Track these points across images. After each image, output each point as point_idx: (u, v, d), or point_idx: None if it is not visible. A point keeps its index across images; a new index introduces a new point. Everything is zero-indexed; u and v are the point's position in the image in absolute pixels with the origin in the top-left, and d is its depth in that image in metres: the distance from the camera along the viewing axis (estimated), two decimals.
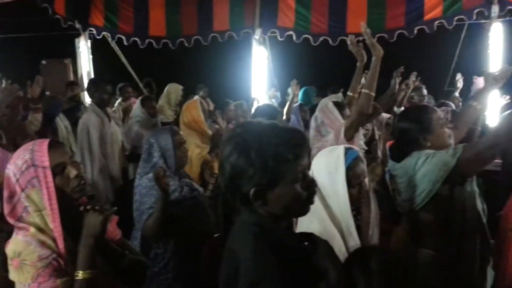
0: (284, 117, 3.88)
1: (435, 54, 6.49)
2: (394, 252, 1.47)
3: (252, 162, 1.01)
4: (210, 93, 5.57)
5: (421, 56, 6.69)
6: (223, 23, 5.13)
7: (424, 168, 1.83)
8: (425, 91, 4.51)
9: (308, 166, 1.11)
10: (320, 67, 6.12)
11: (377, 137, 3.33)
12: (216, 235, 2.10)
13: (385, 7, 4.74)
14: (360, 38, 2.41)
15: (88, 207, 1.39)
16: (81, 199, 1.52)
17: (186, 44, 5.31)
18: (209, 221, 2.28)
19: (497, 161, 3.30)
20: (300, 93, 4.63)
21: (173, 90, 4.57)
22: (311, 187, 1.08)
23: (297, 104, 4.19)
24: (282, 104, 4.65)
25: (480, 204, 1.92)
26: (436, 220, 1.85)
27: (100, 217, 1.37)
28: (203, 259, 2.01)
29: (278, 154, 1.02)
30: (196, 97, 3.70)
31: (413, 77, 3.98)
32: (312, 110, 3.22)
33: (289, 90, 4.53)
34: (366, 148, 2.89)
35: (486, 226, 1.92)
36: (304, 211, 1.11)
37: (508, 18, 4.48)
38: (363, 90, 2.34)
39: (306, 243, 1.14)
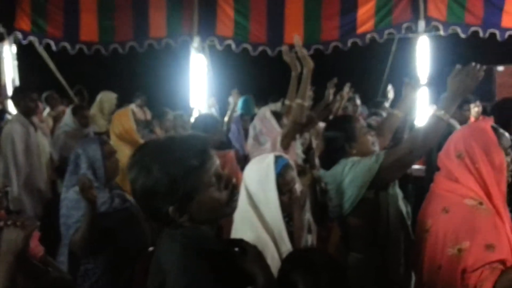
0: (225, 127, 3.89)
1: (369, 66, 6.86)
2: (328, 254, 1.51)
3: (160, 181, 1.00)
4: (147, 102, 5.44)
5: (356, 68, 7.03)
6: (160, 30, 5.05)
7: (351, 175, 1.90)
8: (358, 101, 4.73)
9: (220, 166, 1.11)
10: (260, 77, 6.21)
11: (314, 146, 3.43)
12: (151, 249, 2.06)
13: (320, 20, 4.92)
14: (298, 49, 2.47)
15: (8, 222, 1.31)
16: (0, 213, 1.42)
17: (120, 51, 5.14)
18: (143, 234, 2.21)
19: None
20: (240, 103, 4.65)
21: (106, 98, 4.41)
22: (229, 184, 1.08)
23: (238, 113, 4.21)
24: (222, 114, 4.65)
25: (403, 207, 2.03)
26: (363, 224, 1.93)
27: (21, 233, 1.30)
28: (137, 274, 1.94)
29: (183, 165, 1.01)
30: (130, 106, 3.59)
31: (346, 88, 4.15)
32: (253, 119, 3.25)
33: (230, 99, 4.54)
34: (304, 156, 2.96)
35: (410, 228, 2.02)
36: (230, 210, 1.11)
37: (433, 33, 4.82)
38: (296, 100, 2.41)
39: (235, 249, 1.14)
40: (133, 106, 4.52)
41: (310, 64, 2.34)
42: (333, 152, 2.05)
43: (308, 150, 3.18)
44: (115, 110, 4.10)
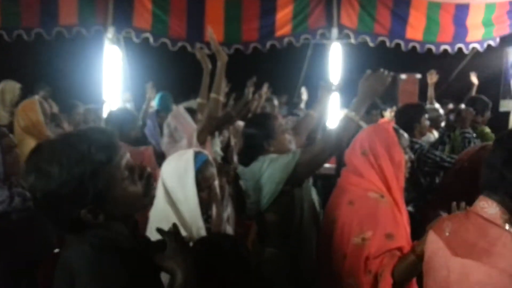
0: (140, 122, 3.74)
1: (287, 68, 7.08)
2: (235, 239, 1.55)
3: (64, 184, 0.91)
4: (54, 94, 5.02)
5: (275, 69, 7.21)
6: (71, 17, 4.69)
7: (269, 171, 1.94)
8: (276, 102, 4.86)
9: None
10: (180, 73, 6.08)
11: (233, 143, 3.45)
12: (56, 251, 1.91)
13: (240, 20, 4.96)
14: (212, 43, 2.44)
15: None
16: None
17: (25, 37, 4.70)
18: (47, 237, 2.04)
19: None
20: (157, 99, 4.51)
21: (8, 88, 3.99)
22: (143, 174, 1.03)
23: (154, 109, 4.07)
24: (138, 109, 4.47)
25: (316, 202, 2.13)
26: (279, 220, 1.98)
27: None
28: (40, 279, 1.80)
29: (89, 163, 0.93)
30: (35, 97, 3.29)
31: (265, 88, 4.24)
32: None
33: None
34: (222, 154, 2.96)
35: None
36: (148, 200, 1.07)
37: (345, 40, 5.12)
38: (211, 94, 2.40)
39: (153, 245, 1.10)
40: (37, 98, 4.14)
41: (223, 57, 2.36)
42: (251, 149, 2.08)
43: (227, 147, 3.19)
44: (19, 101, 3.72)
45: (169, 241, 1.06)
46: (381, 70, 1.93)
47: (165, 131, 2.56)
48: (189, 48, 4.90)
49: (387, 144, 1.79)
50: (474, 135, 3.16)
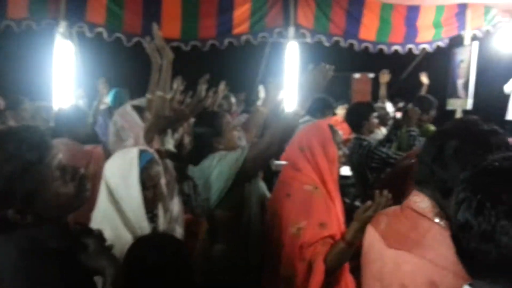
0: (91, 119, 3.63)
1: (246, 66, 7.11)
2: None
3: None
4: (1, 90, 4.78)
5: (235, 67, 7.22)
6: (21, 10, 4.45)
7: (218, 168, 1.95)
8: (233, 99, 4.86)
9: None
10: (135, 69, 5.94)
11: (186, 141, 3.41)
12: None
13: (197, 17, 4.91)
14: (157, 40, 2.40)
15: None
16: None
17: None
18: None
19: None
20: (111, 95, 4.40)
21: None
22: (76, 176, 1.01)
23: (106, 106, 3.97)
24: (91, 106, 4.34)
25: (266, 195, 2.17)
26: (228, 216, 2.00)
27: None
28: None
29: (19, 162, 0.91)
30: None
31: (222, 85, 4.23)
32: None
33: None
34: (176, 152, 2.92)
35: None
36: (79, 202, 1.05)
37: (301, 40, 5.19)
38: (157, 92, 2.37)
39: (78, 244, 1.06)
40: None
41: (169, 55, 2.34)
42: (201, 147, 2.08)
43: (180, 146, 3.15)
44: None
45: (93, 242, 1.04)
46: (323, 64, 1.99)
47: (111, 129, 2.49)
48: (144, 44, 4.78)
49: (323, 140, 1.93)
50: (419, 133, 3.30)
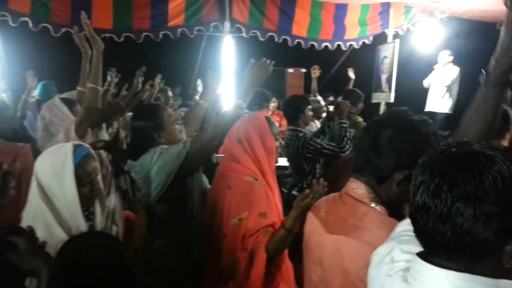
0: (18, 113, 3.39)
1: (183, 59, 7.00)
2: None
3: None
4: None
5: (170, 60, 7.07)
6: None
7: (159, 162, 1.93)
8: (170, 93, 4.79)
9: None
10: (64, 61, 5.60)
11: (122, 135, 3.31)
12: None
13: (131, 7, 4.75)
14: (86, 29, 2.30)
15: None
16: None
17: None
18: None
19: None
20: (38, 88, 4.12)
21: None
22: None
23: (35, 99, 3.72)
24: (16, 99, 4.04)
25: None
26: (170, 210, 1.98)
27: None
28: None
29: None
30: None
31: (158, 78, 4.15)
32: None
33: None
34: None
35: None
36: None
37: (237, 34, 5.22)
38: (88, 84, 2.29)
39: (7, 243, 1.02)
40: None
41: (99, 45, 2.27)
42: (141, 142, 2.03)
43: (115, 140, 3.06)
44: None
45: (23, 241, 0.99)
46: (264, 59, 2.04)
47: (40, 123, 2.34)
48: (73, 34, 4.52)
49: (261, 132, 1.98)
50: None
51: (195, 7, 4.91)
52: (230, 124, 1.97)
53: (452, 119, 5.40)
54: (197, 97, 5.18)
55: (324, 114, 4.20)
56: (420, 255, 0.77)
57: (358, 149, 1.31)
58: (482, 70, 1.04)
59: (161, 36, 4.92)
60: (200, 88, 5.31)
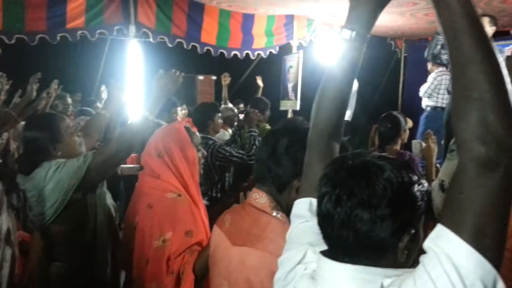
0: None
1: (84, 64, 6.59)
2: None
3: None
4: None
5: (72, 64, 6.63)
6: None
7: (56, 178, 1.78)
8: (69, 100, 4.47)
9: None
10: None
11: (13, 147, 3.02)
12: None
13: (23, 7, 4.35)
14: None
15: None
16: None
17: None
18: None
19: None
20: None
21: None
22: None
23: None
24: None
25: (112, 207, 2.06)
26: (69, 230, 1.84)
27: None
28: None
29: None
30: None
31: (54, 84, 3.85)
32: None
33: None
34: (1, 160, 2.57)
35: (117, 227, 2.07)
36: None
37: (143, 39, 5.06)
38: None
39: None
40: None
41: None
42: (34, 155, 1.86)
43: (5, 152, 2.78)
44: None
45: None
46: (173, 70, 2.01)
47: None
48: None
49: (181, 144, 1.85)
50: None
51: (97, 9, 4.65)
52: (137, 137, 1.90)
53: (351, 126, 5.85)
54: (99, 104, 4.94)
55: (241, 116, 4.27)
56: (324, 253, 0.84)
57: (258, 158, 1.35)
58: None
59: (58, 38, 4.58)
60: (104, 95, 5.05)
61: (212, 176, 3.16)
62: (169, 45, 5.13)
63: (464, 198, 0.68)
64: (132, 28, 4.81)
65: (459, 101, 0.71)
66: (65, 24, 4.58)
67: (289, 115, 6.03)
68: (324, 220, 0.82)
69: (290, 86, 5.99)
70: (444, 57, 4.66)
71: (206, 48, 5.38)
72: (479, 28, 0.72)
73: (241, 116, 4.09)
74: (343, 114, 1.03)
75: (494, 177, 0.67)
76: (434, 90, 5.16)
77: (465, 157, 0.69)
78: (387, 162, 0.80)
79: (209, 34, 5.33)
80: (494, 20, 4.10)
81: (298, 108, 5.88)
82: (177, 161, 1.82)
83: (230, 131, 4.43)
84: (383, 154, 0.85)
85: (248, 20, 5.58)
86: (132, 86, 4.78)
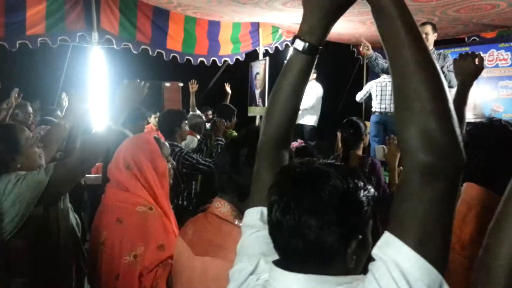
0: None
1: (46, 71, 6.41)
2: None
3: None
4: None
5: (33, 72, 6.44)
6: None
7: (16, 191, 1.72)
8: (30, 109, 4.34)
9: None
10: None
11: None
12: None
13: None
14: None
15: None
16: None
17: None
18: None
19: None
20: None
21: None
22: None
23: None
24: None
25: (73, 220, 2.01)
26: (31, 245, 1.77)
27: None
28: None
29: None
30: None
31: (14, 93, 3.73)
32: None
33: None
34: None
35: (81, 240, 2.02)
36: None
37: (106, 46, 4.98)
38: None
39: None
40: None
41: None
42: None
43: None
44: None
45: None
46: (137, 80, 2.00)
47: None
48: None
49: (151, 155, 1.79)
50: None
51: (58, 15, 4.54)
52: (101, 148, 1.86)
53: (317, 132, 5.97)
54: (59, 113, 4.81)
55: (208, 125, 4.27)
56: (276, 262, 0.84)
57: (220, 168, 1.37)
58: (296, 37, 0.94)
59: (18, 45, 4.45)
60: (65, 103, 4.93)
61: (179, 184, 3.14)
62: (134, 51, 5.08)
63: (409, 206, 0.69)
64: (95, 35, 4.73)
65: (402, 111, 0.71)
66: (25, 31, 4.45)
67: (257, 121, 6.09)
68: (274, 229, 0.83)
69: (257, 92, 6.05)
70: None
71: (172, 54, 5.36)
72: (419, 39, 0.73)
73: (208, 125, 4.10)
74: (293, 124, 1.03)
75: (438, 185, 0.68)
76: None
77: (409, 166, 0.70)
78: (333, 169, 0.81)
79: (174, 41, 5.31)
80: (435, 28, 4.32)
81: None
82: (147, 173, 1.76)
83: (199, 137, 4.42)
84: (331, 161, 0.87)
85: (214, 27, 5.60)
86: (95, 93, 4.69)
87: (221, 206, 1.37)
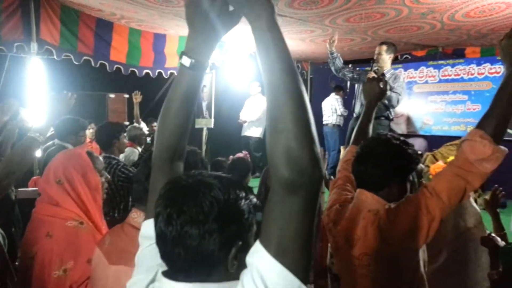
0: None
1: None
2: None
3: None
4: None
5: None
6: None
7: None
8: None
9: None
10: None
11: None
12: None
13: None
14: None
15: None
16: None
17: None
18: None
19: None
20: None
21: None
22: None
23: None
24: None
25: (1, 239, 1.96)
26: None
27: None
28: None
29: None
30: None
31: None
32: None
33: None
34: None
35: (8, 258, 1.98)
36: None
37: (46, 56, 4.86)
38: None
39: None
40: None
41: None
42: None
43: None
44: None
45: None
46: (65, 92, 2.02)
47: None
48: None
49: (83, 170, 1.80)
50: None
51: None
52: (27, 159, 1.85)
53: (263, 143, 6.09)
54: None
55: (148, 139, 4.26)
56: (164, 273, 0.88)
57: (137, 180, 1.43)
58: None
59: None
60: None
61: (114, 196, 3.13)
62: (75, 62, 4.99)
63: (272, 217, 0.75)
64: (34, 45, 4.62)
65: (269, 130, 0.76)
66: None
67: (204, 132, 6.14)
68: (159, 239, 0.85)
69: (204, 104, 6.12)
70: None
71: (115, 66, 5.31)
72: (287, 61, 0.77)
73: (149, 139, 4.10)
74: (185, 137, 1.05)
75: (296, 198, 0.73)
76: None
77: (274, 180, 0.75)
78: (217, 180, 0.85)
79: (118, 52, 5.28)
80: (392, 47, 4.41)
81: (212, 126, 6.02)
82: (79, 188, 1.77)
83: (139, 149, 4.40)
84: (218, 173, 0.91)
85: (159, 39, 5.63)
86: (34, 104, 4.57)
87: (137, 217, 1.42)
